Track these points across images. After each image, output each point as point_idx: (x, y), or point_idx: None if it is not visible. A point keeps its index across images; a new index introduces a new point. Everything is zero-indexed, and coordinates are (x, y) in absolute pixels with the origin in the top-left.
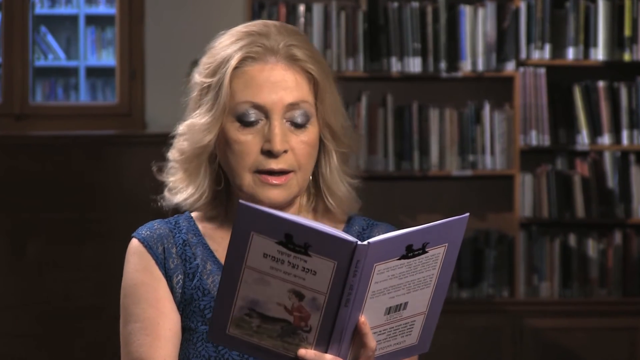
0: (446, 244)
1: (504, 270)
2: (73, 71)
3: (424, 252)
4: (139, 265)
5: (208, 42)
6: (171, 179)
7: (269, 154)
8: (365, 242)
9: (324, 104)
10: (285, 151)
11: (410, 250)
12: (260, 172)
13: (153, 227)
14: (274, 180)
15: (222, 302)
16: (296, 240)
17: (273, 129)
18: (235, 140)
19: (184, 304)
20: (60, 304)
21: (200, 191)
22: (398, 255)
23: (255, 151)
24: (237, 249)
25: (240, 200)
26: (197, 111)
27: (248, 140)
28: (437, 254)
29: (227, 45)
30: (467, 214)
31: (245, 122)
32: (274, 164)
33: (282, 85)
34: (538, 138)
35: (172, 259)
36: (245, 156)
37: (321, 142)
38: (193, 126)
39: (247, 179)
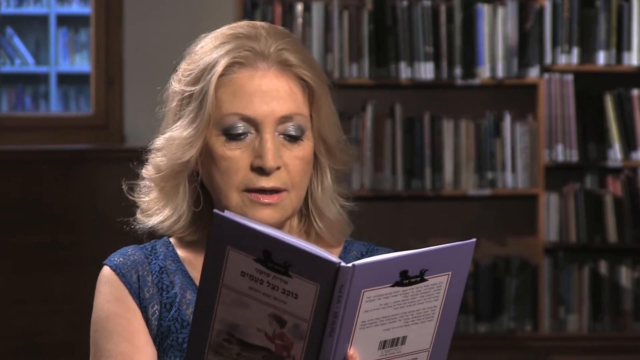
0: (449, 273)
1: (527, 302)
2: (43, 78)
3: (423, 280)
4: (111, 296)
5: None
6: (145, 199)
7: (260, 170)
8: (349, 265)
9: (319, 114)
10: (278, 168)
11: (406, 277)
12: (250, 190)
13: (127, 254)
14: (266, 199)
15: (199, 324)
16: (275, 258)
17: (265, 143)
18: (221, 155)
19: (161, 337)
20: (29, 340)
21: (178, 213)
22: (391, 282)
23: (244, 168)
24: (212, 265)
25: (215, 210)
26: (177, 123)
27: (236, 156)
28: (438, 283)
29: (210, 49)
30: (474, 240)
31: (232, 136)
32: (265, 182)
33: (274, 95)
34: (565, 153)
35: (147, 288)
36: (232, 174)
37: (314, 158)
38: (172, 140)
39: (235, 199)
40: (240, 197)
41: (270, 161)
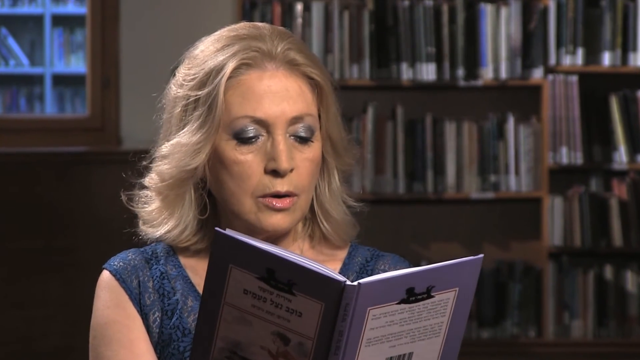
0: (456, 289)
1: (531, 307)
2: (38, 79)
3: (430, 296)
4: (111, 302)
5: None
6: (147, 209)
7: (275, 173)
8: (355, 283)
9: (328, 114)
10: (291, 170)
11: (412, 294)
12: (265, 195)
13: (127, 258)
14: (279, 203)
15: (200, 341)
16: (279, 277)
17: (277, 145)
18: (233, 160)
19: (162, 345)
20: (24, 346)
21: (184, 223)
22: (397, 299)
23: (258, 172)
24: (214, 282)
25: (216, 228)
26: (185, 129)
27: (248, 160)
28: (445, 299)
29: (213, 52)
30: (481, 255)
31: (243, 139)
32: (280, 186)
33: (284, 95)
34: (569, 156)
35: (148, 293)
36: (246, 178)
37: (322, 159)
38: (180, 147)
39: (249, 204)
40: (253, 203)
41: (284, 163)
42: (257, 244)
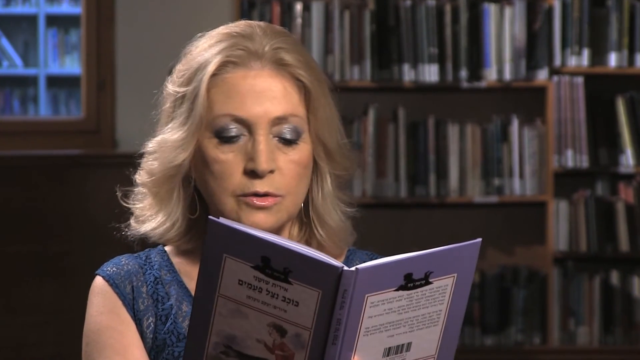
0: (455, 275)
1: (535, 313)
2: (32, 80)
3: (428, 282)
4: (104, 307)
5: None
6: (139, 205)
7: (253, 174)
8: (352, 268)
9: (317, 117)
10: (272, 171)
11: (410, 280)
12: (245, 195)
13: (120, 263)
14: (259, 201)
15: (194, 337)
16: (274, 265)
17: (257, 145)
18: (214, 159)
19: (156, 351)
20: (15, 354)
21: (172, 219)
22: (395, 285)
23: (238, 172)
24: (208, 274)
25: (210, 217)
26: (169, 125)
27: (228, 160)
28: (443, 285)
29: (204, 49)
30: (479, 240)
31: (224, 138)
32: (259, 187)
33: (267, 95)
34: (575, 159)
35: (142, 299)
36: (226, 178)
37: (314, 163)
38: (164, 143)
39: (230, 204)
40: (234, 202)
41: (262, 163)
42: (253, 231)
